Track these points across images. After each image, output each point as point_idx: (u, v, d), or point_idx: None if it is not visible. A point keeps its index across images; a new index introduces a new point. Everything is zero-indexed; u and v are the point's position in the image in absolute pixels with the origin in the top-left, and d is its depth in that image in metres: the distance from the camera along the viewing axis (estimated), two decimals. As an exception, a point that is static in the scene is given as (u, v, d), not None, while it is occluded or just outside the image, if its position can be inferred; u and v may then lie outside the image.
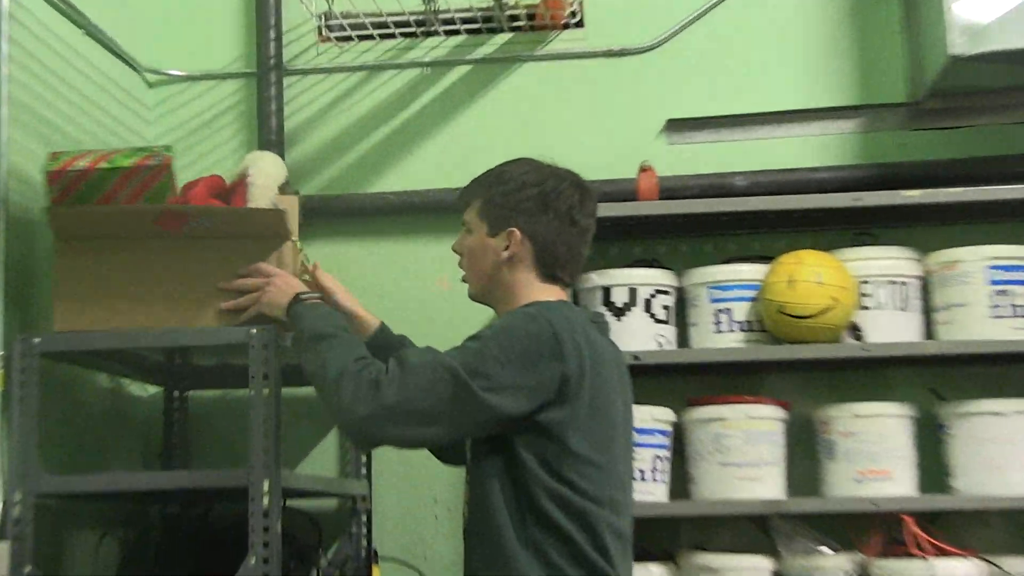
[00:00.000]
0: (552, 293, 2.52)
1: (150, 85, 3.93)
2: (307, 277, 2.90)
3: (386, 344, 2.76)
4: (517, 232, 2.50)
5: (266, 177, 3.04)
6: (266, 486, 2.80)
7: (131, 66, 3.80)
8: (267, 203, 3.00)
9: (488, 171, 2.60)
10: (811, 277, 3.33)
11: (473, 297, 2.61)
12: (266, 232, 2.90)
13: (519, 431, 2.34)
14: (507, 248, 2.51)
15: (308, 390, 2.70)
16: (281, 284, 2.78)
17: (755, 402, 3.41)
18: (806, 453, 3.49)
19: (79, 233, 2.90)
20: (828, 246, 3.49)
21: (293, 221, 3.00)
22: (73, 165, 2.85)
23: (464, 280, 2.61)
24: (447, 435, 2.39)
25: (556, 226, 2.51)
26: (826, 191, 3.49)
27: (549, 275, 2.52)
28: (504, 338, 2.35)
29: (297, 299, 2.68)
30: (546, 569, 2.32)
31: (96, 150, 2.98)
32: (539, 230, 2.50)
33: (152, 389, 3.70)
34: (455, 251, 2.62)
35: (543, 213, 2.50)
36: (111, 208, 2.87)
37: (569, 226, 2.52)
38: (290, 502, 3.27)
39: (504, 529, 2.34)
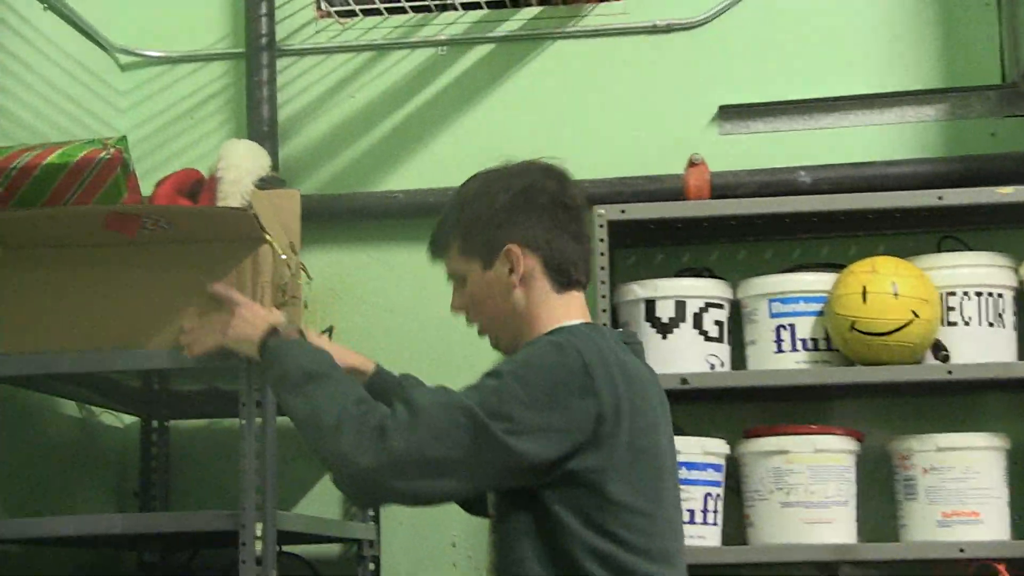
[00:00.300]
0: (574, 304, 2.50)
1: (123, 68, 3.94)
2: (293, 295, 2.86)
3: (383, 390, 2.71)
4: (515, 247, 2.46)
5: (236, 170, 3.01)
6: (259, 530, 2.78)
7: (101, 46, 3.81)
8: (238, 200, 2.96)
9: (445, 207, 2.56)
10: (887, 288, 3.32)
11: (499, 348, 2.55)
12: (233, 235, 2.86)
13: (550, 482, 2.32)
14: (512, 271, 2.47)
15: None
16: (248, 315, 2.72)
17: (823, 432, 3.40)
18: (882, 491, 3.49)
19: (23, 240, 2.89)
20: (907, 252, 3.48)
21: (293, 222, 2.98)
22: (15, 161, 2.82)
23: (481, 333, 2.55)
24: (465, 488, 2.36)
25: (548, 221, 2.47)
26: (905, 188, 3.48)
27: (565, 282, 2.49)
28: (527, 373, 2.32)
29: (273, 333, 2.62)
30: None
31: (44, 143, 2.95)
32: (534, 233, 2.47)
33: (127, 419, 3.70)
34: (456, 310, 2.56)
35: (527, 214, 2.47)
36: (54, 211, 2.84)
37: (562, 213, 2.49)
38: (286, 548, 3.28)
39: None
